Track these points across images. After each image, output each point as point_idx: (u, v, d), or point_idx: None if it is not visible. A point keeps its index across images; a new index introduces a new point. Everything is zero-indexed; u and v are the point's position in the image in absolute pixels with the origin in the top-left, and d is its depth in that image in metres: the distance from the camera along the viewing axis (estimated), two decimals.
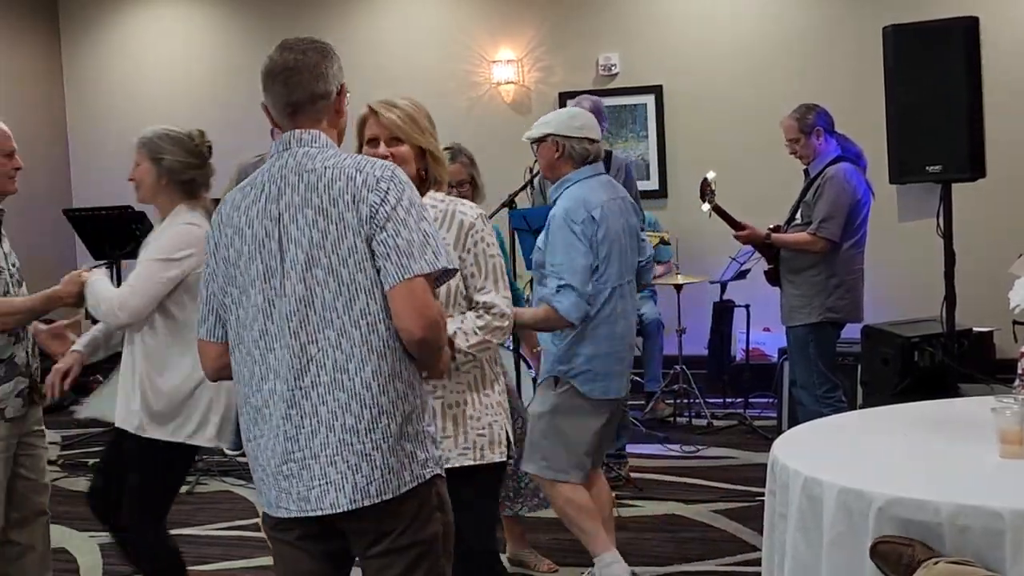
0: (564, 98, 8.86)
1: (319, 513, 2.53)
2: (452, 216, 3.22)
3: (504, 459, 3.29)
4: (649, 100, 8.83)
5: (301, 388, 2.51)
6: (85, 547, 5.43)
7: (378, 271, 2.51)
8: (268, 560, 5.15)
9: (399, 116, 3.21)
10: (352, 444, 2.50)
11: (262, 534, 5.45)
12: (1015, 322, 4.34)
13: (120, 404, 3.86)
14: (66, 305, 3.89)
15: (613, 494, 4.88)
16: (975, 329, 6.66)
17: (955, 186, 5.39)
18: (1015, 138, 7.47)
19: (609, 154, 6.33)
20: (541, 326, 4.32)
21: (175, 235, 3.76)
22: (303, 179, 2.56)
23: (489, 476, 3.27)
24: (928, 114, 5.22)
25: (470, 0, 9.40)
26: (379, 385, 2.52)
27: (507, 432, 3.30)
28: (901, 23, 5.46)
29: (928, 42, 5.26)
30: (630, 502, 5.71)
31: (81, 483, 6.56)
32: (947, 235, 5.39)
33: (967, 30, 5.21)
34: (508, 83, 9.20)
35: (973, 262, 5.99)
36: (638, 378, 7.75)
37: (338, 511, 2.52)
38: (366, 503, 2.52)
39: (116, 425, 3.89)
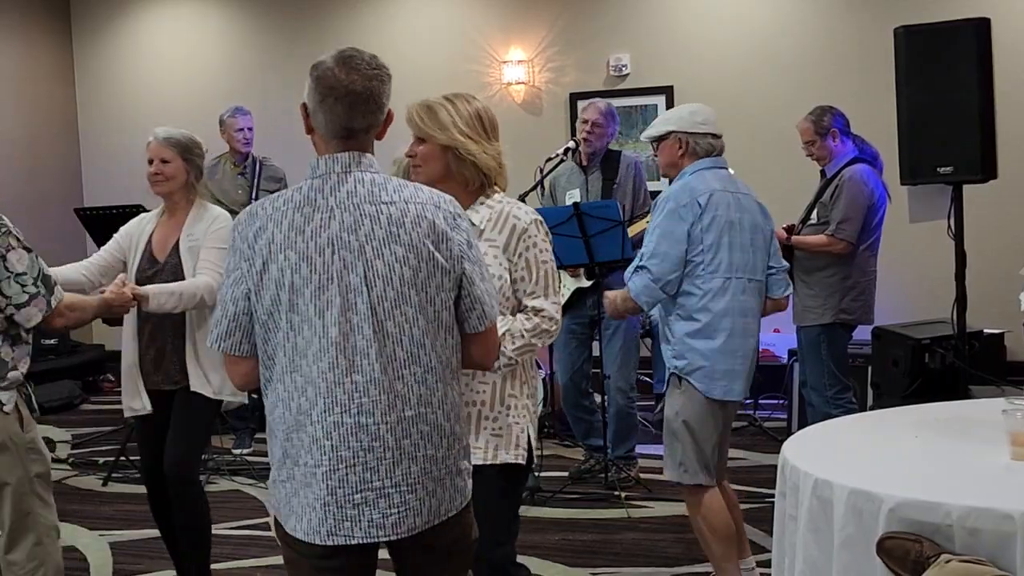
0: (575, 99, 8.87)
1: (392, 538, 2.55)
2: (505, 219, 3.20)
3: (521, 462, 3.23)
4: (660, 101, 8.82)
5: (387, 423, 2.51)
6: (95, 545, 5.44)
7: (459, 310, 2.61)
8: (277, 559, 5.17)
9: (416, 111, 3.19)
10: (431, 472, 2.57)
11: (272, 533, 5.47)
12: None
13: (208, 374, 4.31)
14: (114, 314, 4.13)
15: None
16: (986, 331, 6.65)
17: (966, 187, 5.38)
18: None
19: (618, 154, 6.34)
20: (623, 306, 4.26)
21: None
22: (382, 212, 2.52)
23: (501, 477, 3.21)
24: (939, 115, 5.21)
25: (481, 1, 9.40)
26: (455, 415, 2.63)
27: (530, 438, 3.25)
28: (912, 24, 5.46)
29: (939, 43, 5.26)
30: (640, 503, 5.71)
31: (91, 481, 6.58)
32: (958, 236, 5.38)
33: (978, 31, 5.20)
34: (519, 84, 9.20)
35: (984, 263, 5.98)
36: (647, 379, 7.76)
37: (414, 533, 2.57)
38: (436, 522, 2.60)
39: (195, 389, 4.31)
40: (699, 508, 4.22)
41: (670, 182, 4.36)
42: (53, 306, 3.64)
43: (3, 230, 3.59)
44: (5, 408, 3.64)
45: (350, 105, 2.54)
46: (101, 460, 6.97)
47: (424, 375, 2.55)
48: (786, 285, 4.40)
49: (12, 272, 3.57)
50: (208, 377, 4.29)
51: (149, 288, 4.15)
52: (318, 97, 2.56)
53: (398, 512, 2.54)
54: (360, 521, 2.52)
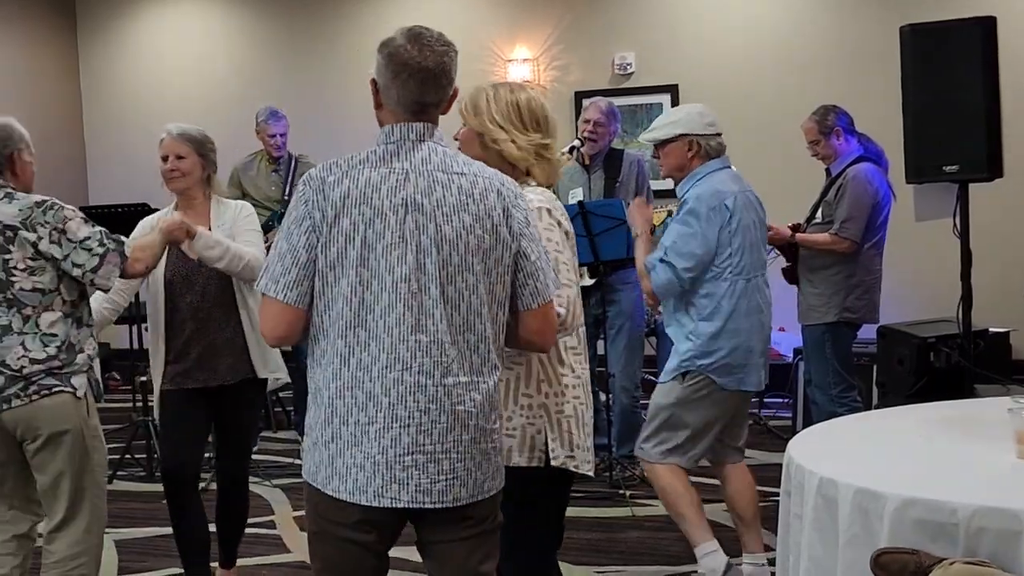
0: (580, 97, 8.85)
1: (439, 505, 2.57)
2: None
3: (538, 465, 3.07)
4: (665, 99, 8.81)
5: (444, 385, 2.55)
6: None
7: (514, 286, 2.66)
8: (282, 557, 5.19)
9: (467, 94, 3.17)
10: (480, 443, 2.61)
11: (277, 531, 5.46)
12: None
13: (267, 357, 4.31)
14: (173, 240, 4.04)
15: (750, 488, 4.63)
16: (991, 329, 6.63)
17: (972, 186, 5.37)
18: None
19: (621, 152, 6.33)
20: (645, 286, 4.33)
21: None
22: (453, 181, 2.60)
23: (515, 481, 2.95)
24: (945, 114, 5.20)
25: None
26: (500, 389, 2.70)
27: (547, 438, 3.08)
28: (918, 23, 5.45)
29: (945, 42, 5.25)
30: (645, 501, 5.70)
31: None
32: (964, 235, 5.37)
33: (984, 29, 5.19)
34: (524, 82, 9.19)
35: (990, 262, 5.96)
36: (652, 378, 7.74)
37: (460, 504, 2.60)
38: (480, 497, 2.63)
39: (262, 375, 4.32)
40: (661, 481, 4.34)
41: (675, 183, 4.35)
42: (128, 255, 3.70)
43: (54, 207, 3.61)
44: (78, 393, 3.64)
45: (423, 81, 2.64)
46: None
47: (477, 343, 2.60)
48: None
49: (76, 241, 3.59)
50: (266, 358, 4.30)
51: (201, 228, 4.07)
52: (390, 74, 2.65)
53: (446, 480, 2.56)
54: (408, 485, 2.54)
